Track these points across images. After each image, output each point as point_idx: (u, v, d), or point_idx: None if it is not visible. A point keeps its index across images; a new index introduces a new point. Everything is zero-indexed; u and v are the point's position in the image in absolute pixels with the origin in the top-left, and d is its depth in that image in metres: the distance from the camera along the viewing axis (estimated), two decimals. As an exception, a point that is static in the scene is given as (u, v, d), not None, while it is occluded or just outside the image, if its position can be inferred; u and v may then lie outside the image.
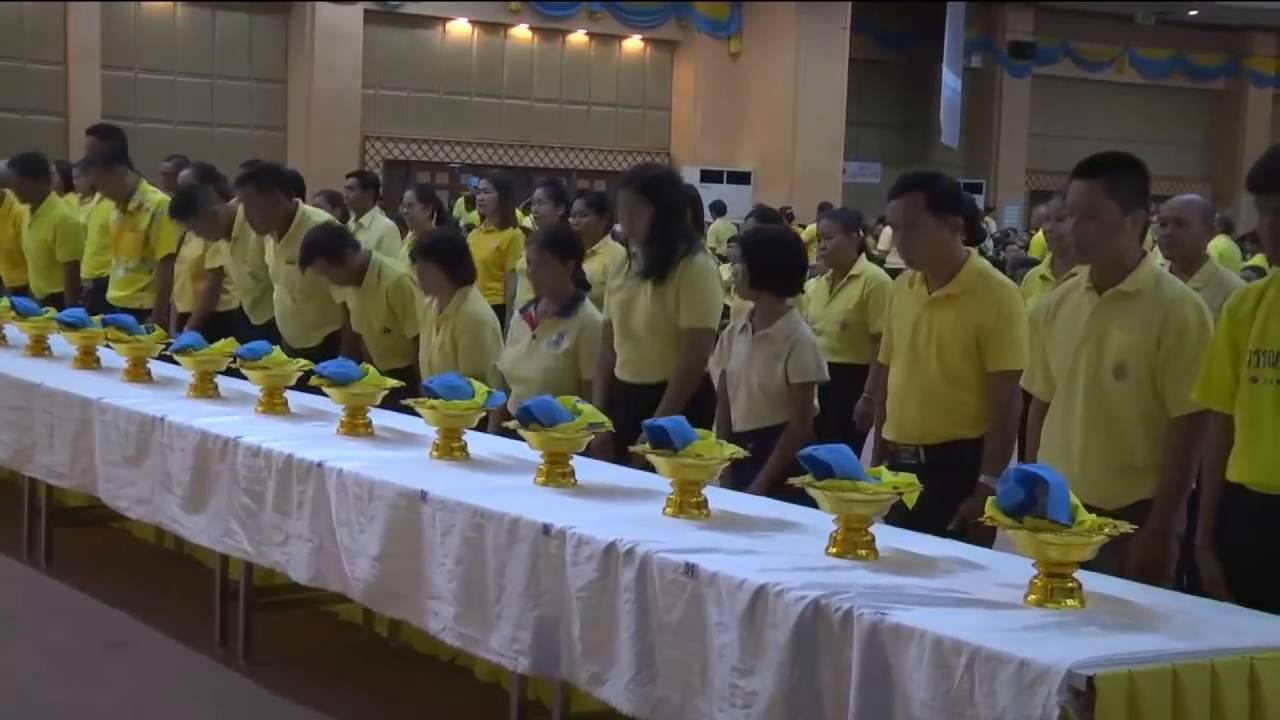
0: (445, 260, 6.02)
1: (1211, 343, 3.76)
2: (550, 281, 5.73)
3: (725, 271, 7.83)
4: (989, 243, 19.51)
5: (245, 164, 7.85)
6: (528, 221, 11.15)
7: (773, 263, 5.14)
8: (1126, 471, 3.94)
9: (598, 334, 5.67)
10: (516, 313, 5.95)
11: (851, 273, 6.88)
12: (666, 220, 5.49)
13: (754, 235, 5.24)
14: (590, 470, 4.59)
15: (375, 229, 9.39)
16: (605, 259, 7.39)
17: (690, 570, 3.47)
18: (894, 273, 6.38)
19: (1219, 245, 18.01)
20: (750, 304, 5.30)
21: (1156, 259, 4.78)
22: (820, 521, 3.77)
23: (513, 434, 4.64)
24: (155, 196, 8.17)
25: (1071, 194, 4.00)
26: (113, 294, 8.15)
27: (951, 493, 4.24)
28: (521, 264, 8.34)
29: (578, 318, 5.71)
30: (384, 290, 6.55)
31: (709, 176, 23.42)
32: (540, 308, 5.78)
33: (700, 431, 4.12)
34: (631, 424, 4.66)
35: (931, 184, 4.56)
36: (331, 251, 6.47)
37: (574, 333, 5.68)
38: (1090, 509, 3.29)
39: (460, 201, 18.35)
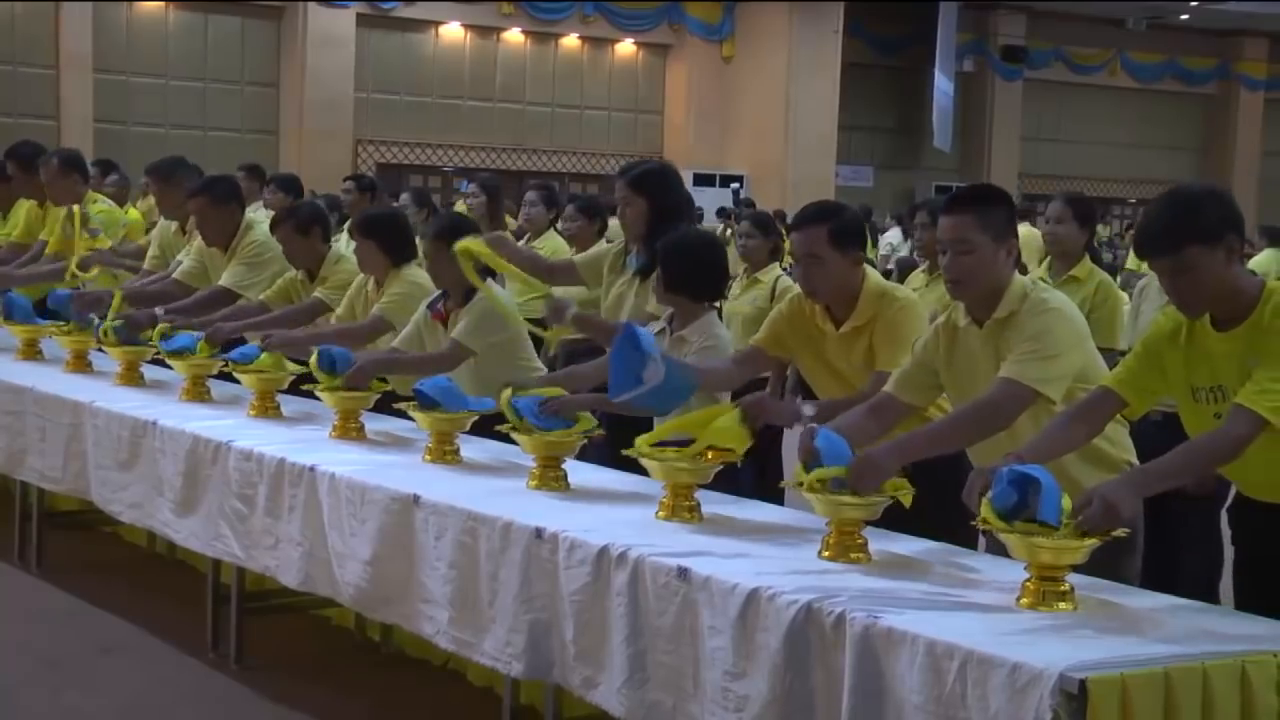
0: (384, 238, 5.92)
1: (1142, 342, 3.69)
2: (448, 274, 5.48)
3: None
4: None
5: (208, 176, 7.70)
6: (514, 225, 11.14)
7: (689, 268, 4.99)
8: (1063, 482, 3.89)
9: (484, 309, 5.39)
10: (424, 308, 5.70)
11: None
12: (663, 219, 5.38)
13: (671, 241, 5.12)
14: (583, 474, 4.59)
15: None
16: None
17: (683, 574, 3.47)
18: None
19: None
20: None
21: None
22: (813, 525, 3.78)
23: (505, 437, 4.64)
24: (95, 207, 8.11)
25: (942, 230, 3.97)
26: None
27: (935, 495, 4.15)
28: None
29: (474, 298, 5.45)
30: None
31: (701, 180, 23.41)
32: (448, 303, 5.57)
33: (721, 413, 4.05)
34: (622, 424, 4.68)
35: (834, 217, 4.46)
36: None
37: (464, 312, 5.45)
38: None
39: (456, 206, 18.36)
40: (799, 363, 4.81)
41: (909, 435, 3.93)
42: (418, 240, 6.07)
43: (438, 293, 5.66)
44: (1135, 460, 3.98)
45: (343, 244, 8.01)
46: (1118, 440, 3.97)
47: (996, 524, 3.23)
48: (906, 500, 3.63)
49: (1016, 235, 4.01)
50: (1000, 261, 3.92)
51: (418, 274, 5.92)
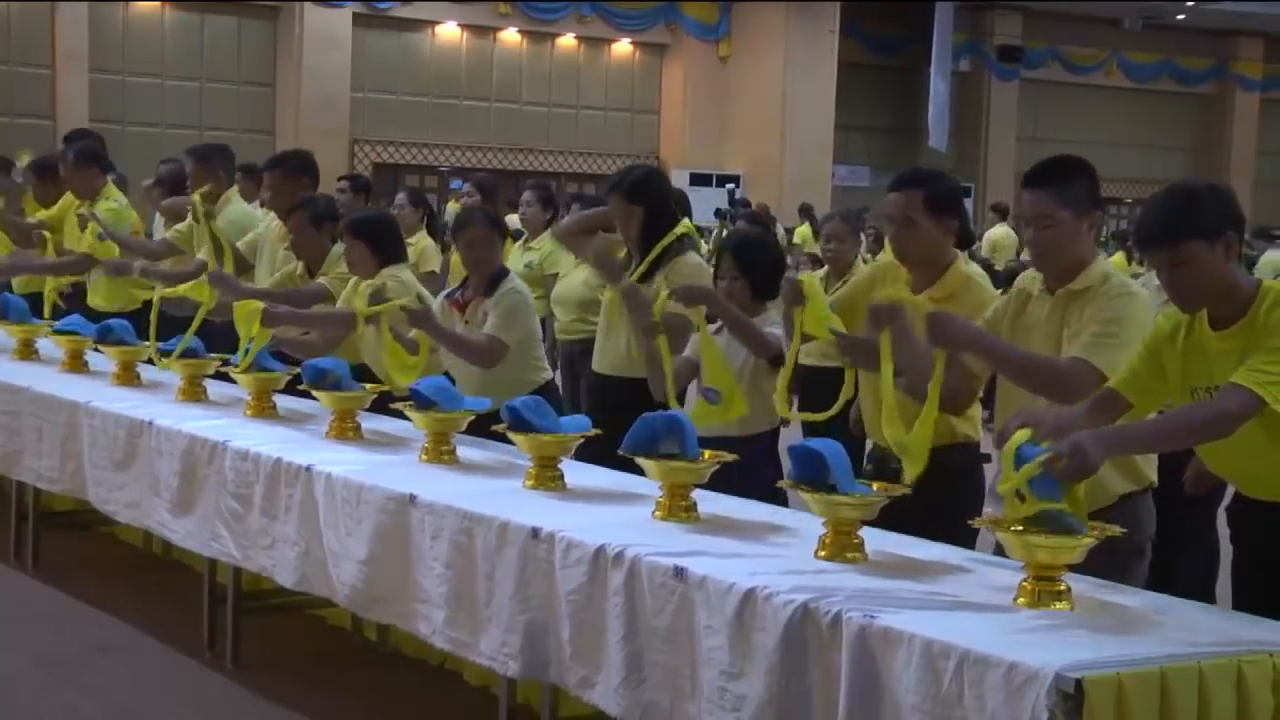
0: (374, 239, 5.97)
1: (1144, 343, 3.70)
2: (490, 261, 5.66)
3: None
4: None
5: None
6: (513, 219, 11.14)
7: (759, 269, 5.09)
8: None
9: (515, 302, 5.54)
10: (442, 298, 5.82)
11: (844, 278, 6.79)
12: (654, 220, 5.53)
13: (742, 242, 5.23)
14: (579, 473, 4.59)
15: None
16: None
17: (679, 574, 3.47)
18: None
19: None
20: None
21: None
22: (809, 524, 3.78)
23: (502, 437, 4.64)
24: (104, 204, 8.09)
25: (1025, 204, 3.97)
26: (93, 300, 8.09)
27: (941, 496, 4.17)
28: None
29: (500, 290, 5.57)
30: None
31: (698, 180, 23.42)
32: (467, 292, 5.68)
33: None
34: (607, 416, 4.73)
35: (931, 182, 4.49)
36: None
37: (493, 303, 5.56)
38: None
39: (450, 206, 18.38)
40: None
41: (988, 334, 3.94)
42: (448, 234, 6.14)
43: (458, 284, 5.77)
44: (1155, 462, 4.00)
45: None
46: None
47: (1011, 476, 3.22)
48: (920, 466, 3.61)
49: (1100, 206, 4.00)
50: (1082, 234, 3.92)
51: (404, 272, 5.99)
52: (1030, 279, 4.12)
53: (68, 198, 8.55)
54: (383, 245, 5.97)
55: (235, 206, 7.43)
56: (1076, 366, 3.78)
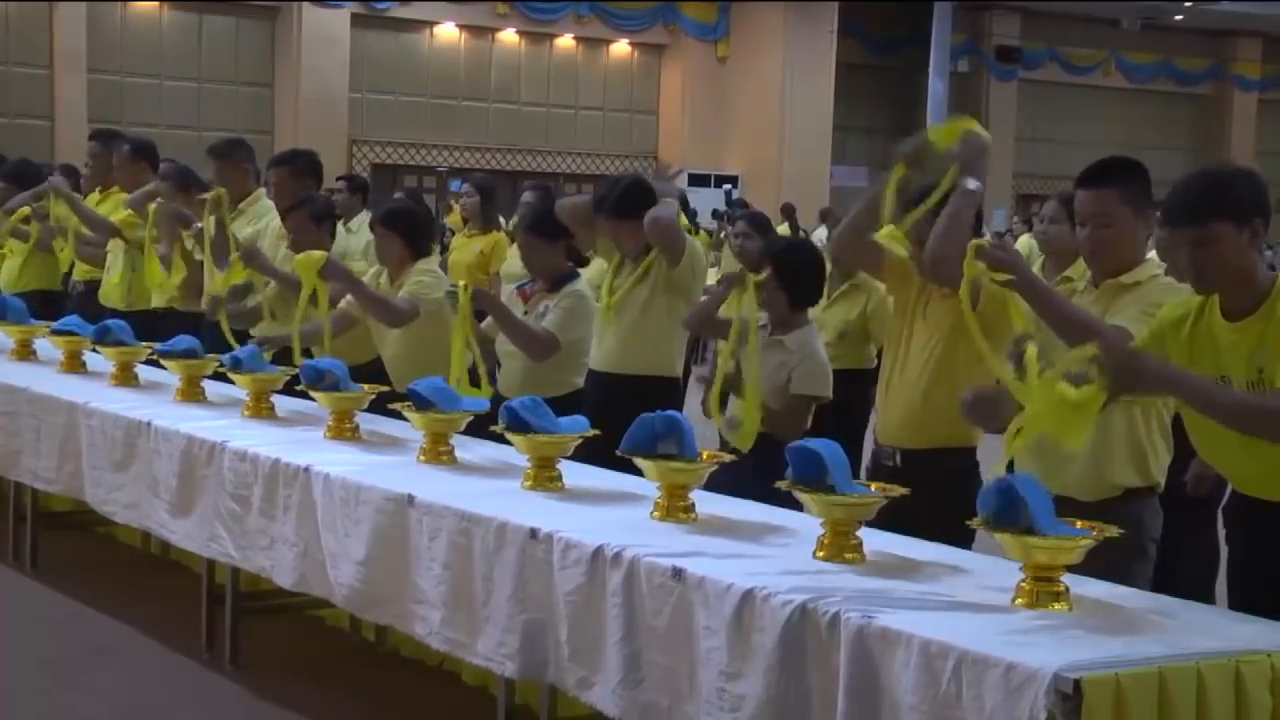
0: (407, 231, 6.04)
1: (1149, 327, 3.68)
2: (540, 263, 5.79)
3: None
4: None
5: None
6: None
7: (801, 273, 5.18)
8: (1102, 459, 3.92)
9: (575, 305, 5.65)
10: (513, 289, 6.01)
11: (853, 280, 6.70)
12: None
13: (786, 246, 5.45)
14: (578, 474, 4.59)
15: (364, 233, 9.32)
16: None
17: (678, 574, 3.47)
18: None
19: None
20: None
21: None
22: (808, 525, 3.78)
23: (500, 438, 4.64)
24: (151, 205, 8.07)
25: (1083, 203, 3.97)
26: (106, 293, 8.08)
27: (927, 501, 4.02)
28: (506, 267, 8.35)
29: (565, 290, 5.69)
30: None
31: (696, 180, 23.43)
32: (536, 285, 5.83)
33: None
34: (604, 414, 4.75)
35: None
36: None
37: (555, 302, 5.67)
38: (1066, 501, 3.30)
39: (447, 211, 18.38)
40: (897, 297, 4.77)
41: (1050, 290, 3.91)
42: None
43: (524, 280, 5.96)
44: (1165, 465, 4.03)
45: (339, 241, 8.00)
46: (1157, 447, 4.00)
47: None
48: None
49: (1155, 206, 3.99)
50: (1139, 235, 3.95)
51: (434, 265, 6.13)
52: (1080, 273, 4.17)
53: (92, 196, 8.54)
54: (416, 237, 6.08)
55: (265, 204, 7.40)
56: (1116, 331, 3.79)
